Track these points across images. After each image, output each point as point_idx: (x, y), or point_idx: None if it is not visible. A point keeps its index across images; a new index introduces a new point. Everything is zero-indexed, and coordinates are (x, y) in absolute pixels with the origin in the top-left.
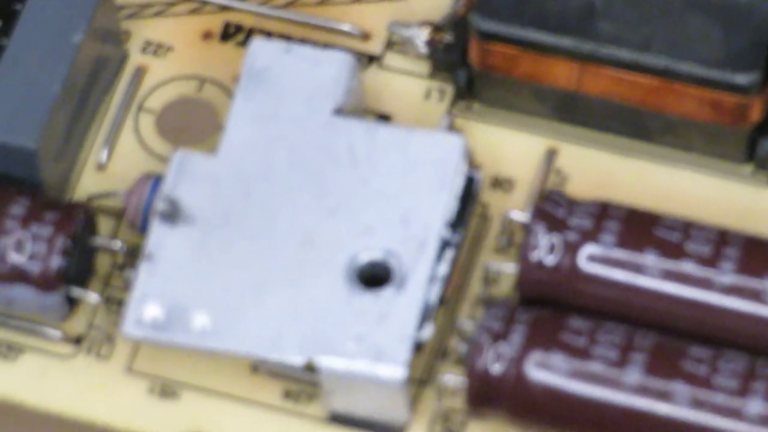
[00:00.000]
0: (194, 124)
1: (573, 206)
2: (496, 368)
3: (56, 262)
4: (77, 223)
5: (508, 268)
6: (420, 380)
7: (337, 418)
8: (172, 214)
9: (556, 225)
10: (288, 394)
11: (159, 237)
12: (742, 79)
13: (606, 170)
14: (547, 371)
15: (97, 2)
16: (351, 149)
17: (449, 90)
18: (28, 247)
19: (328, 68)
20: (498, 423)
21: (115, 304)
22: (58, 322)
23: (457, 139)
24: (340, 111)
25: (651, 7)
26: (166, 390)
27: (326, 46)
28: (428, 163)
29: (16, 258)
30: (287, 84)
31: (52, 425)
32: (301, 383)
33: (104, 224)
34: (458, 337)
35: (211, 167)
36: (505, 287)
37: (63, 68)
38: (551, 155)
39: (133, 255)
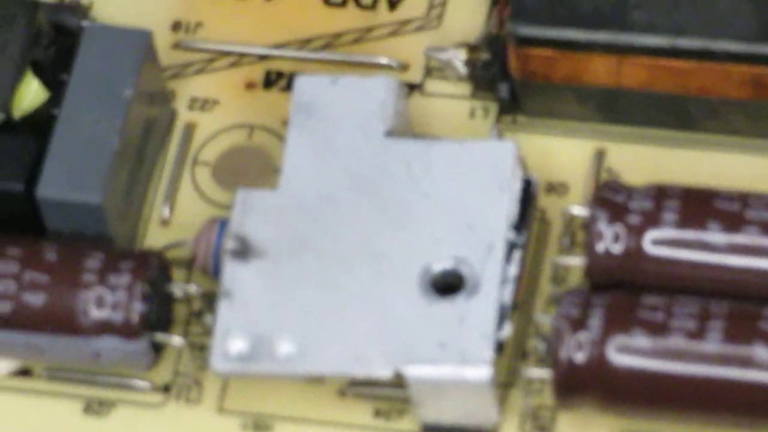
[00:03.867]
0: (250, 170)
1: (631, 191)
2: (580, 356)
3: (138, 308)
4: (153, 268)
5: (574, 261)
6: (505, 383)
7: (429, 429)
8: (243, 251)
9: (617, 210)
10: (378, 413)
11: (233, 274)
12: None
13: (655, 164)
14: (630, 352)
15: (143, 59)
16: (408, 166)
17: (492, 107)
18: (109, 297)
19: (375, 93)
20: (587, 412)
21: (197, 349)
22: (144, 372)
23: (509, 144)
24: (390, 133)
25: None
26: (259, 424)
27: None
28: (485, 171)
29: (98, 310)
30: (337, 113)
31: None
32: (390, 400)
33: (176, 275)
34: (536, 333)
35: (275, 201)
36: (573, 283)
37: (118, 122)
38: (600, 156)
39: (208, 299)
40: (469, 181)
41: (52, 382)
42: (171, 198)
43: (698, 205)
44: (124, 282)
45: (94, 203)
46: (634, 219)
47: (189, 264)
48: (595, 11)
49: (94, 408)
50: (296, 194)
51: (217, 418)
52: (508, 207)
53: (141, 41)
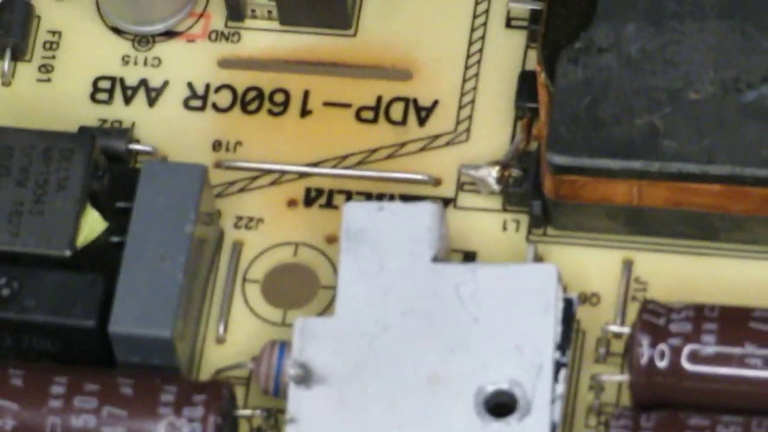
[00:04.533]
0: (297, 286)
1: (670, 311)
2: None
3: None
4: (224, 399)
5: (617, 379)
6: None
7: None
8: (306, 377)
9: (659, 333)
10: None
11: (297, 400)
12: None
13: (681, 272)
14: None
15: (200, 192)
16: (457, 290)
17: (524, 219)
18: (185, 429)
19: (421, 220)
20: None
21: None
22: None
23: (551, 267)
24: (437, 258)
25: (708, 121)
26: None
27: (402, 196)
28: (529, 293)
29: None
30: (385, 240)
31: None
32: None
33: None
34: None
35: (332, 327)
36: (611, 394)
37: (182, 258)
38: (628, 266)
39: (268, 417)
40: (515, 303)
41: None
42: (225, 316)
43: (735, 327)
44: (198, 414)
45: (165, 337)
46: (675, 341)
47: (246, 383)
48: (627, 140)
49: None
50: (352, 320)
51: None
52: (553, 329)
53: (197, 175)
